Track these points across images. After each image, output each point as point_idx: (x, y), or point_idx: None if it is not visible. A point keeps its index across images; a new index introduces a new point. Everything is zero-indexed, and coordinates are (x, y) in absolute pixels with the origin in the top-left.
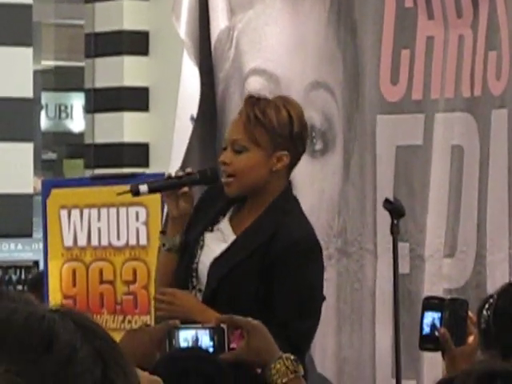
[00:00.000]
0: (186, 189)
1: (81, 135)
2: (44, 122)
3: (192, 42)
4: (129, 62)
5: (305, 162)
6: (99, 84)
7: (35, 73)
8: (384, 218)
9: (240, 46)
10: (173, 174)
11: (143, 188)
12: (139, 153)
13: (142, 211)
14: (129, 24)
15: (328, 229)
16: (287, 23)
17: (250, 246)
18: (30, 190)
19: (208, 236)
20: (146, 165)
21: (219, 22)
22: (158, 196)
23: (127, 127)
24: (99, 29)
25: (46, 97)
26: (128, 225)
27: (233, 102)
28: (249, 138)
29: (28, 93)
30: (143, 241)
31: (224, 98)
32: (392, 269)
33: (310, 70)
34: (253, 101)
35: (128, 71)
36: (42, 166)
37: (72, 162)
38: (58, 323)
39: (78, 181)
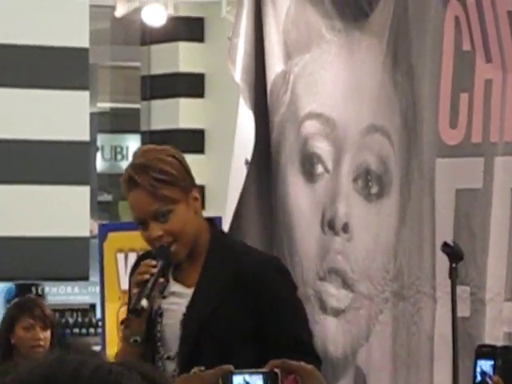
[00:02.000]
0: (162, 279)
1: None
2: (100, 164)
3: (247, 86)
4: (184, 104)
5: (360, 206)
6: (155, 126)
7: (91, 115)
8: (443, 262)
9: (296, 90)
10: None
11: (144, 302)
12: None
13: None
14: (184, 66)
15: (384, 272)
16: (343, 67)
17: (217, 289)
18: (87, 233)
19: (164, 302)
20: (202, 207)
21: (275, 65)
22: None
23: None
24: (155, 71)
25: (101, 138)
26: None
27: (288, 146)
28: (165, 202)
29: (84, 136)
30: None
31: (279, 142)
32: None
33: (366, 113)
34: (137, 169)
35: (184, 113)
36: (97, 207)
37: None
38: (125, 376)
39: (134, 224)
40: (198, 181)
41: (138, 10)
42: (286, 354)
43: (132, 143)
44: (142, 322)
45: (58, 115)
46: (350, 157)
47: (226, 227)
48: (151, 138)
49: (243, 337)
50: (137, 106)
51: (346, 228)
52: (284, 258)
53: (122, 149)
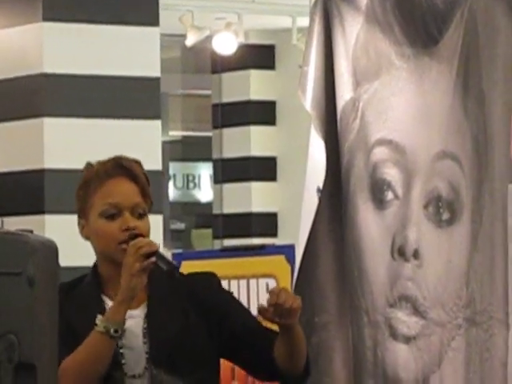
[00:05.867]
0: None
1: (209, 205)
2: (172, 192)
3: (318, 114)
4: (256, 131)
5: (431, 232)
6: (227, 154)
7: (163, 143)
8: None
9: (365, 117)
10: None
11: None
12: (268, 222)
13: (272, 283)
14: (256, 94)
15: (456, 299)
16: (413, 93)
17: (174, 306)
18: None
19: None
20: (275, 234)
21: (344, 93)
22: (287, 267)
23: (255, 197)
24: (226, 99)
25: (173, 167)
26: (258, 296)
27: (357, 173)
28: (146, 203)
29: (157, 165)
30: None
31: (348, 169)
32: None
33: (436, 139)
34: (131, 161)
35: (255, 141)
36: (170, 236)
37: (200, 231)
38: None
39: (208, 253)
40: (271, 208)
41: (208, 39)
42: (258, 336)
43: (204, 171)
44: (125, 312)
45: (130, 145)
46: (420, 183)
47: (298, 254)
48: (223, 165)
49: (212, 347)
50: (208, 134)
51: (416, 254)
52: (354, 284)
53: (194, 177)
